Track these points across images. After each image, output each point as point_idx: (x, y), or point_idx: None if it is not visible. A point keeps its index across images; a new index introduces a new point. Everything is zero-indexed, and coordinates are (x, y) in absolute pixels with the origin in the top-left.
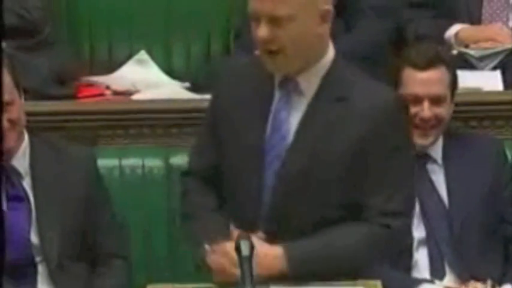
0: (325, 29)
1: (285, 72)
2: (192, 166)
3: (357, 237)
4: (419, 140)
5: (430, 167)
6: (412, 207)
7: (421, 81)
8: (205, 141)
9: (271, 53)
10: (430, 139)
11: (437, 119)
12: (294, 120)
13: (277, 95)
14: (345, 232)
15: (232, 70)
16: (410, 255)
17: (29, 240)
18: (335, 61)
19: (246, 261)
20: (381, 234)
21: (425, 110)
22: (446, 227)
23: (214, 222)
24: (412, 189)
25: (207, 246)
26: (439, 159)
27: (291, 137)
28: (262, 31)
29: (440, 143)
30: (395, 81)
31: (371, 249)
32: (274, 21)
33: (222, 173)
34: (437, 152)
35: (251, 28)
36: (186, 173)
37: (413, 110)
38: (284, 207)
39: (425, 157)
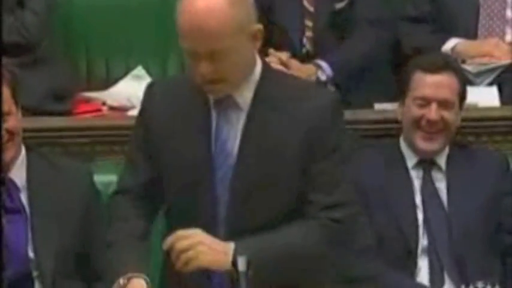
0: (258, 46)
1: (225, 94)
2: (124, 184)
3: (310, 233)
4: (423, 144)
5: (435, 175)
6: (354, 197)
7: (431, 83)
8: (137, 158)
9: (211, 82)
10: (436, 145)
11: (444, 123)
12: (236, 134)
13: (214, 112)
14: (296, 230)
15: (163, 87)
16: (415, 262)
17: (26, 254)
18: (264, 71)
19: (242, 276)
20: (331, 227)
21: (433, 112)
22: (446, 236)
23: (134, 254)
24: (350, 182)
25: (121, 281)
26: (444, 168)
27: (236, 151)
28: (204, 68)
29: (446, 151)
30: (404, 89)
31: (325, 243)
32: (212, 56)
33: (160, 191)
34: (443, 160)
35: (188, 63)
36: (117, 192)
37: (420, 112)
38: (240, 217)
39: (431, 164)
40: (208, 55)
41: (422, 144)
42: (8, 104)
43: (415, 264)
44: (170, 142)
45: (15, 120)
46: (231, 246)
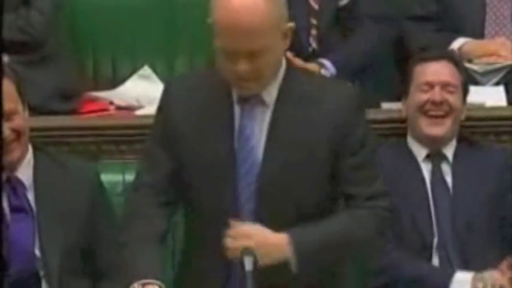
0: (288, 44)
1: (253, 92)
2: (144, 180)
3: (364, 220)
4: (429, 129)
5: (444, 167)
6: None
7: (432, 70)
8: (158, 154)
9: (246, 79)
10: (442, 129)
11: (449, 106)
12: (262, 131)
13: (237, 108)
14: (349, 218)
15: (181, 85)
16: (430, 256)
17: (33, 253)
18: (288, 69)
19: (249, 276)
20: (384, 215)
21: (437, 93)
22: (452, 230)
23: (152, 258)
24: (380, 174)
25: (136, 286)
26: (451, 160)
27: (261, 148)
28: (243, 67)
29: (454, 144)
30: (407, 84)
31: (377, 231)
32: (252, 54)
33: (180, 186)
34: (450, 152)
35: (222, 61)
36: (136, 188)
37: (425, 96)
38: (264, 214)
39: (440, 157)
40: (248, 54)
41: (429, 129)
42: (15, 102)
43: (430, 258)
44: (192, 138)
45: (21, 120)
46: (284, 247)
